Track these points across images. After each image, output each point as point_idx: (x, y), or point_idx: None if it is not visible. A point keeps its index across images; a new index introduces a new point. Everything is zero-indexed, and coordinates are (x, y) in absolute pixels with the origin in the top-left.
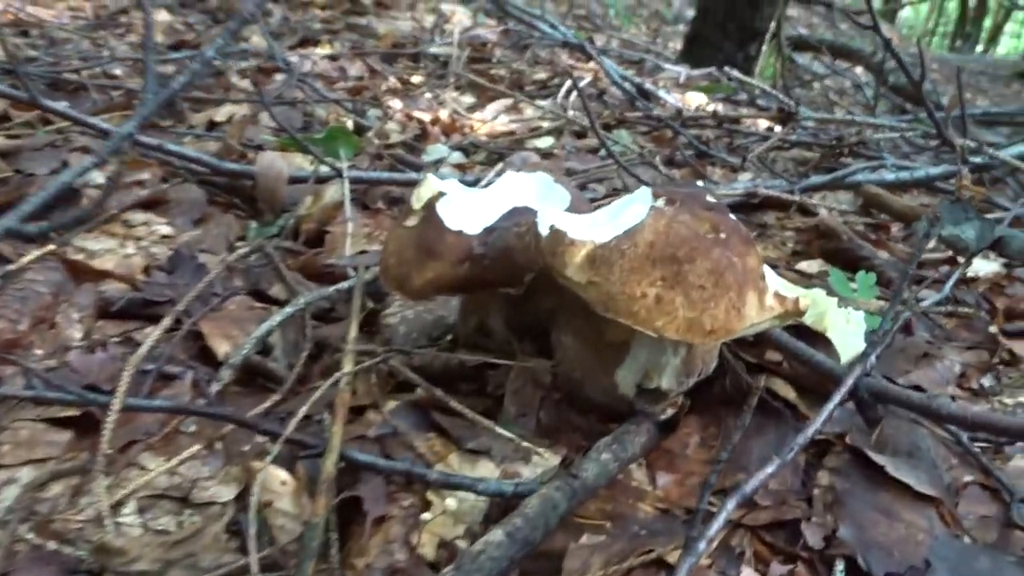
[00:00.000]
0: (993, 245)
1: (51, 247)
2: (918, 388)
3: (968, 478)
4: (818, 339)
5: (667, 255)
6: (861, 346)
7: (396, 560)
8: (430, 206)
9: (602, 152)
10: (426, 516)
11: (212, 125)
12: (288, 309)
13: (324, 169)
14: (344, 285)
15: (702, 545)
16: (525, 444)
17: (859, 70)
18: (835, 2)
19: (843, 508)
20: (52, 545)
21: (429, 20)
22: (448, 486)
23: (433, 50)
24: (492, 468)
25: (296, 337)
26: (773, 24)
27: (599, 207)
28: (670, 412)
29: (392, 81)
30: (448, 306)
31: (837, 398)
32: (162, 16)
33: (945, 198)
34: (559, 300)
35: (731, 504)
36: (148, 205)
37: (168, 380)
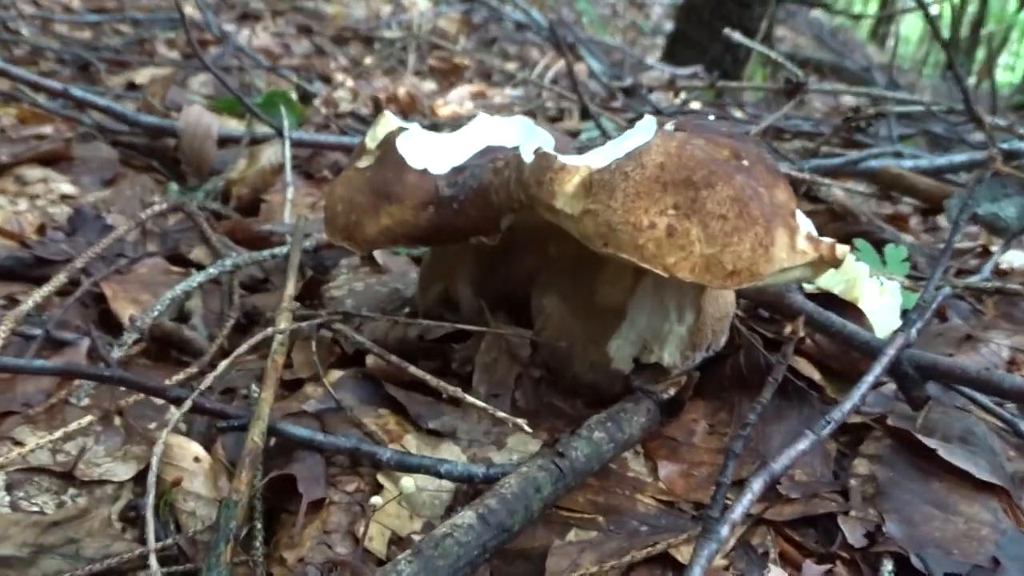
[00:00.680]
0: None
1: None
2: None
3: None
4: (848, 311)
5: (681, 178)
6: (897, 321)
7: (336, 554)
8: (388, 143)
9: (582, 136)
10: (376, 500)
11: (132, 87)
12: (212, 270)
13: (261, 130)
14: (281, 251)
15: (724, 530)
16: (500, 414)
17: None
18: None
19: (888, 500)
20: None
21: (386, 9)
22: (404, 468)
23: (388, 34)
24: (458, 453)
25: (221, 306)
26: (764, 24)
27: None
28: (673, 392)
29: (342, 61)
30: (405, 278)
31: (878, 369)
32: None
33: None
34: (541, 257)
35: (757, 484)
36: (48, 161)
37: (59, 347)
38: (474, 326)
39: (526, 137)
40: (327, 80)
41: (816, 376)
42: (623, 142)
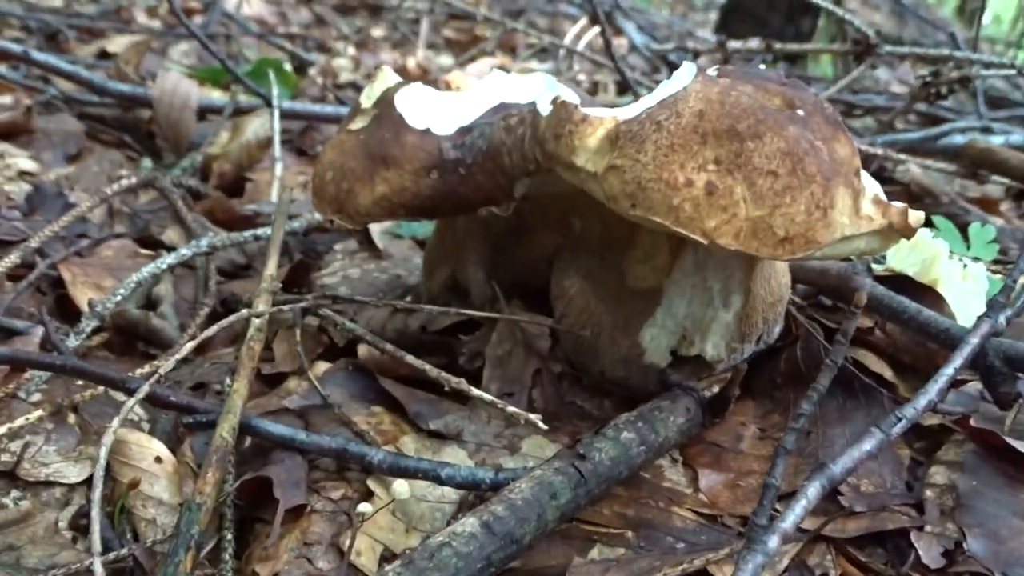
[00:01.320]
0: None
1: None
2: None
3: None
4: (925, 295)
5: (723, 128)
6: (981, 307)
7: (316, 569)
8: (386, 100)
9: None
10: (365, 507)
11: (104, 56)
12: (184, 251)
13: (248, 101)
14: (265, 231)
15: (773, 541)
16: (511, 409)
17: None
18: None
19: (970, 514)
20: None
21: None
22: (398, 472)
23: (398, 1)
24: (464, 457)
25: (196, 293)
26: None
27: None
28: (716, 390)
29: (345, 31)
30: (408, 264)
31: (959, 360)
32: None
33: None
34: (563, 235)
35: (813, 490)
36: (6, 134)
37: (8, 336)
38: (485, 314)
39: (547, 92)
40: (326, 51)
41: (887, 372)
42: (658, 91)
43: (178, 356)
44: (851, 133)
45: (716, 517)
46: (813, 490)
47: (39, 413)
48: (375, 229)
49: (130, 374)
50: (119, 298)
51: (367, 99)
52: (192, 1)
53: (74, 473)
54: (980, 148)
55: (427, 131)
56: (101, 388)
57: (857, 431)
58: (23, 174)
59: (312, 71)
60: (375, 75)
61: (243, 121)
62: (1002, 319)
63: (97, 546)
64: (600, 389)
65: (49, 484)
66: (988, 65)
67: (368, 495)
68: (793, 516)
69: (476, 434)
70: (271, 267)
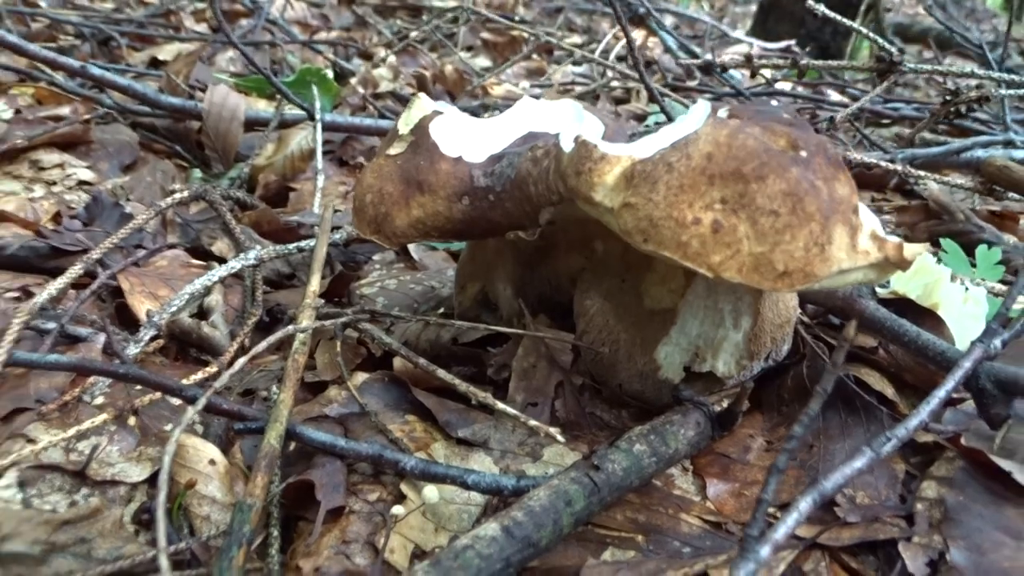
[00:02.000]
0: None
1: None
2: None
3: None
4: (926, 318)
5: (730, 170)
6: (980, 331)
7: (354, 565)
8: (422, 128)
9: (648, 121)
10: (397, 509)
11: (155, 64)
12: (234, 263)
13: (292, 112)
14: (309, 244)
15: (765, 550)
16: (532, 422)
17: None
18: None
19: (955, 526)
20: None
21: None
22: (429, 477)
23: (438, 3)
24: (489, 464)
25: (243, 303)
26: None
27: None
28: (726, 404)
29: (386, 34)
30: (442, 276)
31: (951, 383)
32: None
33: None
34: (587, 256)
35: (804, 504)
36: (65, 145)
37: (73, 342)
38: (511, 329)
39: (575, 122)
40: (367, 57)
41: (888, 391)
42: (673, 129)
43: (231, 371)
44: (871, 145)
45: (721, 524)
46: (804, 504)
47: (104, 416)
48: None
49: (185, 381)
50: (174, 309)
51: (404, 125)
52: (237, 3)
53: (136, 473)
54: (998, 166)
55: (459, 159)
56: (159, 393)
57: (855, 446)
58: (82, 183)
59: (353, 80)
60: (412, 102)
61: (287, 133)
62: (996, 343)
63: (163, 541)
64: (618, 401)
65: (114, 483)
66: (1011, 84)
67: (401, 498)
68: (784, 528)
69: (501, 442)
70: (314, 283)
